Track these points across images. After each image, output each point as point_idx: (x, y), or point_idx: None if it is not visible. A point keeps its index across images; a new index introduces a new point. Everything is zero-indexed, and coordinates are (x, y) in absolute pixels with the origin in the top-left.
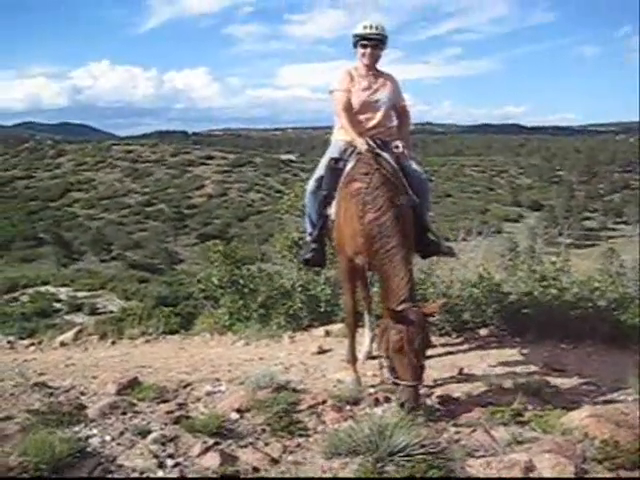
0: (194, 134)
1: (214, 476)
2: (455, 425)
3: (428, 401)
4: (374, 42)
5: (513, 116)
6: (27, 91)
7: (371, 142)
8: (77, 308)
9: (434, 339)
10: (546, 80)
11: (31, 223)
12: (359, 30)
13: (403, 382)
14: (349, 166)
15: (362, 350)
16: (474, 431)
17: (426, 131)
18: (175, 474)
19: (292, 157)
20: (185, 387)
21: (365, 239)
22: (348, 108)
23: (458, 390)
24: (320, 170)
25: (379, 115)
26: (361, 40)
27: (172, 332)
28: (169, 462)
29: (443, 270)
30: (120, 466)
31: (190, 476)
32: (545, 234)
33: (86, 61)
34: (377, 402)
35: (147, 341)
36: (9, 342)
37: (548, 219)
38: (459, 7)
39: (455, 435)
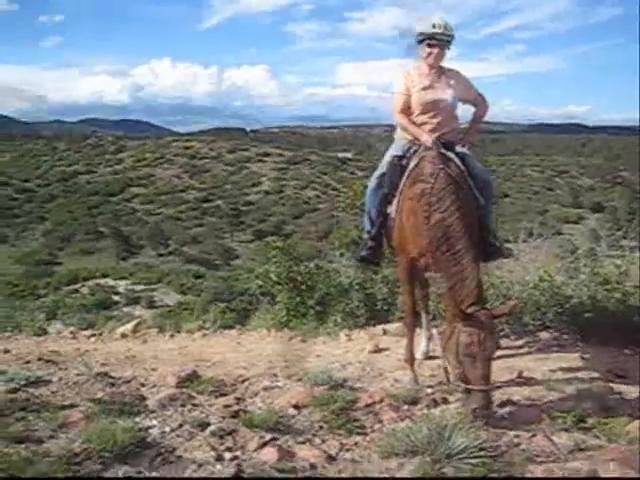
0: (252, 131)
1: (271, 472)
2: (515, 429)
3: None
4: (442, 42)
5: (575, 115)
6: (91, 88)
7: (436, 140)
8: (135, 301)
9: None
10: (610, 78)
11: (91, 217)
12: (426, 28)
13: (475, 387)
14: (412, 165)
15: (419, 350)
16: (534, 436)
17: (484, 130)
18: (233, 467)
19: (348, 155)
20: (243, 382)
21: (431, 240)
22: (405, 110)
23: (517, 394)
24: (382, 167)
25: (442, 115)
26: (428, 39)
27: (227, 327)
28: (227, 455)
29: (502, 271)
30: (179, 457)
31: (248, 470)
32: (608, 236)
33: (147, 58)
34: (435, 403)
35: (204, 335)
36: (71, 332)
37: (610, 221)
38: (522, 3)
39: (515, 439)
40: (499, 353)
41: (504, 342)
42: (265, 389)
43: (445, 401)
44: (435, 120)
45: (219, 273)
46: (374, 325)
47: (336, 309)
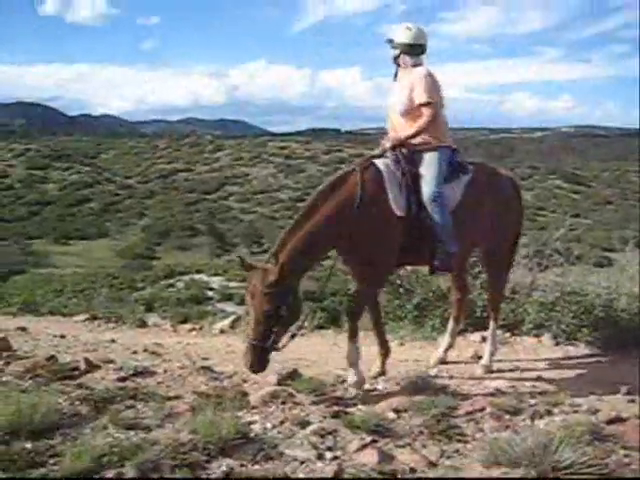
0: (347, 132)
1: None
2: (624, 448)
3: (593, 419)
4: (403, 49)
5: None
6: (189, 89)
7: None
8: (228, 297)
9: (597, 354)
10: None
11: (188, 214)
12: (395, 37)
13: None
14: (382, 168)
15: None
16: None
17: (586, 134)
18: (333, 467)
19: None
20: (342, 382)
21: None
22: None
23: (627, 410)
24: None
25: (396, 120)
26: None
27: (319, 327)
28: (328, 455)
29: (610, 282)
30: (281, 454)
31: (348, 470)
32: None
33: (242, 60)
34: (539, 414)
35: (302, 335)
36: (172, 325)
37: None
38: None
39: (624, 459)
40: (604, 367)
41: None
42: (365, 391)
43: (549, 413)
44: (396, 127)
45: (310, 272)
46: (472, 332)
47: (434, 314)
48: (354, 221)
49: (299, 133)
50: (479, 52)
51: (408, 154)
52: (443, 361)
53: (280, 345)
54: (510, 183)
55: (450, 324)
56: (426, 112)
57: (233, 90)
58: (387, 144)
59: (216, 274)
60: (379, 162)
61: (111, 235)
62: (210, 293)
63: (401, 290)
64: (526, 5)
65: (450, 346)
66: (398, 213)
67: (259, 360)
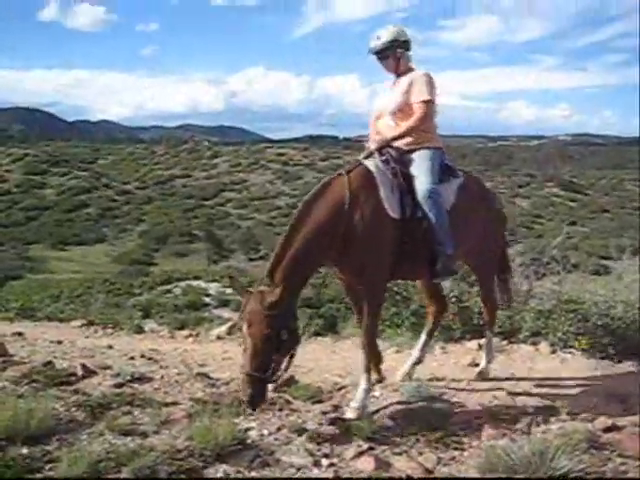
0: (345, 139)
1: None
2: (621, 456)
3: (590, 427)
4: (383, 54)
5: None
6: (187, 95)
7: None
8: (224, 303)
9: (594, 362)
10: None
11: (186, 220)
12: (369, 47)
13: None
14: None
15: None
16: None
17: (583, 142)
18: (330, 474)
19: None
20: (339, 390)
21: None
22: (372, 123)
23: (623, 419)
24: None
25: (380, 123)
26: (375, 55)
27: (316, 334)
28: (324, 462)
29: (606, 290)
30: (277, 461)
31: (345, 477)
32: None
33: (241, 67)
34: (536, 423)
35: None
36: (169, 332)
37: None
38: (626, 9)
39: (621, 467)
40: (602, 375)
41: (606, 363)
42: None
43: (546, 421)
44: (383, 130)
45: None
46: (469, 339)
47: None
48: (346, 225)
49: (297, 140)
50: (478, 60)
51: (397, 155)
52: (410, 376)
53: (280, 372)
54: (496, 199)
55: (422, 337)
56: (420, 110)
57: (231, 97)
58: (372, 146)
59: (214, 280)
60: (368, 162)
61: (108, 241)
62: (207, 299)
63: (398, 297)
64: (526, 13)
65: (419, 362)
66: (392, 214)
67: (260, 393)
